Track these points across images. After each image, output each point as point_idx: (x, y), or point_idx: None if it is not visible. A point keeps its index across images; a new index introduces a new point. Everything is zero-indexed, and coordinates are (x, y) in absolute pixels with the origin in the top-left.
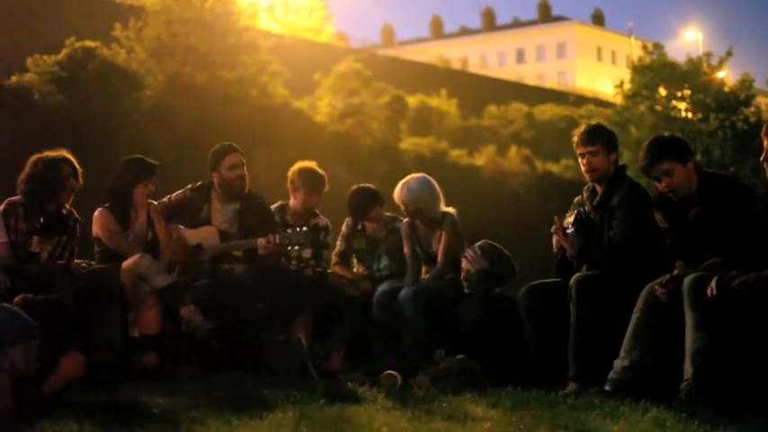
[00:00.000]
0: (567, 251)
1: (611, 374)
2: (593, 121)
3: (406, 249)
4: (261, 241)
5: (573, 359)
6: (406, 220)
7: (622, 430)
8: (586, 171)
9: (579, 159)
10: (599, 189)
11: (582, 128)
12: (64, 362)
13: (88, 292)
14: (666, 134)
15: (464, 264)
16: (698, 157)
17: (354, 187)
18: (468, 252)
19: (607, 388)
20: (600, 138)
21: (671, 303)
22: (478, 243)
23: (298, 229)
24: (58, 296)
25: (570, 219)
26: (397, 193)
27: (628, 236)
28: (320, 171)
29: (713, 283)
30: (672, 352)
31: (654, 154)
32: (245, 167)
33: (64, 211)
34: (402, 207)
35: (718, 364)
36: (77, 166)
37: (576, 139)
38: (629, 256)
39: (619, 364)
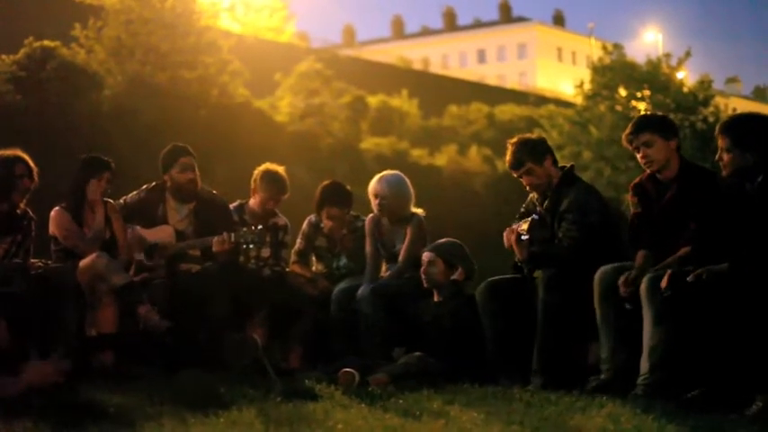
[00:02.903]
0: (517, 256)
1: (601, 366)
2: (515, 139)
3: (368, 246)
4: (217, 239)
5: (539, 357)
6: (370, 215)
7: (578, 425)
8: (530, 189)
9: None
10: (548, 192)
11: (508, 153)
12: (30, 370)
13: (44, 290)
14: (659, 113)
15: (425, 256)
16: None
17: (327, 181)
18: (430, 258)
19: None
20: (525, 155)
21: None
22: (442, 241)
23: (253, 227)
24: (13, 290)
25: (525, 226)
26: (373, 185)
27: (576, 240)
28: (284, 177)
29: (666, 278)
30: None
31: (637, 125)
32: (196, 169)
33: (18, 211)
34: (375, 200)
35: (675, 360)
36: (32, 165)
37: (507, 166)
38: (578, 260)
39: (603, 354)
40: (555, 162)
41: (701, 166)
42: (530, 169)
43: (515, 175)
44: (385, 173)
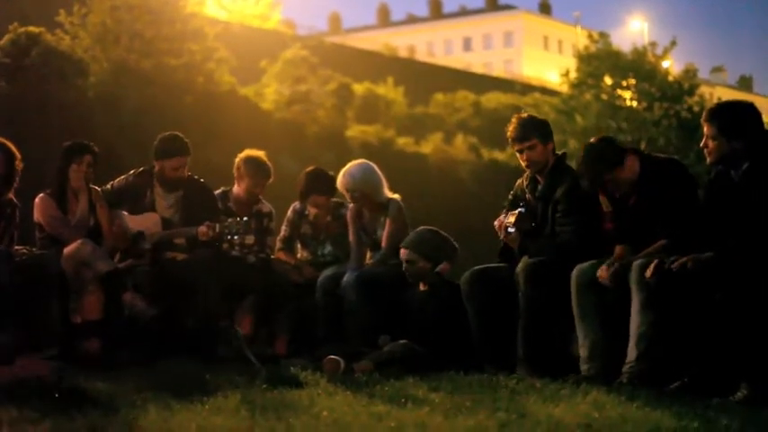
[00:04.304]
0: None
1: (582, 366)
2: (524, 114)
3: (350, 234)
4: (201, 228)
5: (522, 345)
6: (351, 205)
7: (562, 413)
8: (527, 166)
9: (518, 155)
10: (540, 179)
11: (513, 123)
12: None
13: (28, 277)
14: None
15: (403, 254)
16: (642, 146)
17: (310, 168)
18: (410, 257)
19: (583, 375)
20: (534, 131)
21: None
22: (419, 231)
23: (238, 218)
24: None
25: (512, 218)
26: (340, 180)
27: (573, 234)
28: (267, 162)
29: (652, 267)
30: (618, 331)
31: (595, 169)
32: (186, 168)
33: (3, 198)
34: (347, 195)
35: (662, 348)
36: (15, 151)
37: (510, 135)
38: (574, 253)
39: (582, 353)
40: (554, 149)
41: (661, 158)
42: (534, 145)
43: (516, 148)
44: (349, 166)
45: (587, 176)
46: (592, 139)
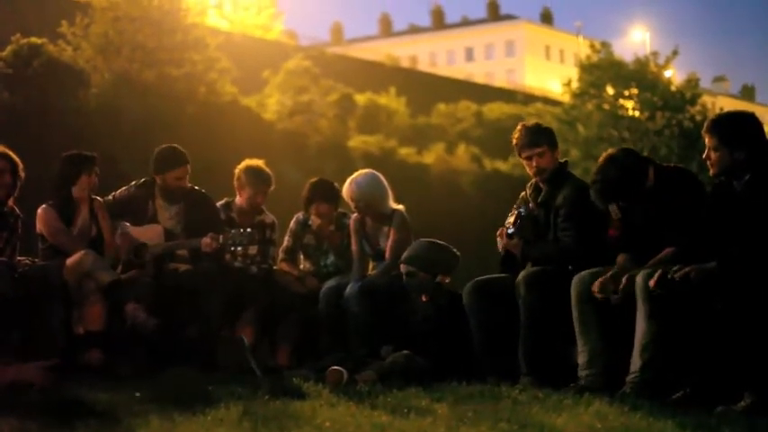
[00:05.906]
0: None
1: (580, 373)
2: (529, 122)
3: (353, 244)
4: (205, 240)
5: (524, 357)
6: (354, 215)
7: (565, 423)
8: (535, 174)
9: (525, 162)
10: (543, 186)
11: (520, 131)
12: (27, 368)
13: (30, 288)
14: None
15: (402, 269)
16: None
17: (315, 178)
18: (406, 268)
19: (582, 383)
20: (544, 137)
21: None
22: (415, 243)
23: (242, 229)
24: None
25: (511, 219)
26: (346, 189)
27: (574, 238)
28: (267, 170)
29: (656, 277)
30: (617, 339)
31: (622, 194)
32: (188, 177)
33: (6, 208)
34: (351, 204)
35: (666, 358)
36: (17, 161)
37: (518, 142)
38: (576, 257)
39: (581, 359)
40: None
41: (674, 167)
42: (543, 152)
43: (525, 155)
44: (356, 175)
45: (608, 191)
46: (611, 151)
